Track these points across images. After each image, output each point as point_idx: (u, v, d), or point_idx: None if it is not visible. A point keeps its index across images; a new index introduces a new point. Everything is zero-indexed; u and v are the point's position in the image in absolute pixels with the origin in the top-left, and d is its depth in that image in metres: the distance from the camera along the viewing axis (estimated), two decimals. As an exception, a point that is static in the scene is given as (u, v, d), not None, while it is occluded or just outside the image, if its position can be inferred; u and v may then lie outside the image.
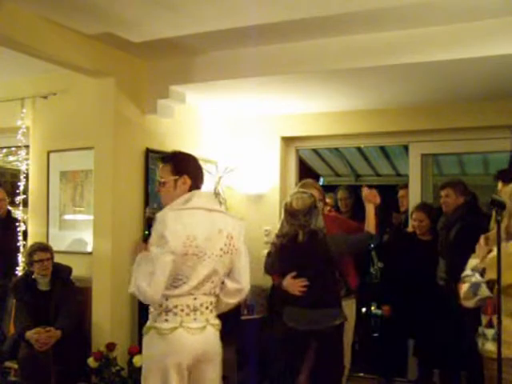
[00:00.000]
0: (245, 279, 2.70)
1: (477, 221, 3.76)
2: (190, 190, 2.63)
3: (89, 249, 4.72)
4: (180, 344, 2.50)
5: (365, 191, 3.89)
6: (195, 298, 2.54)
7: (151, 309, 2.58)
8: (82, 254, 4.81)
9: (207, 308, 2.59)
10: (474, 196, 4.47)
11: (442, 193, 4.42)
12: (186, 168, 2.66)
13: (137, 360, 4.11)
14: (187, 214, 2.53)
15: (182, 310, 2.52)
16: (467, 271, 2.71)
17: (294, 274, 3.60)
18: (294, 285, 3.58)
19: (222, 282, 2.66)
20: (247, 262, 2.73)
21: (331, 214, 4.39)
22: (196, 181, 2.67)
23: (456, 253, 4.11)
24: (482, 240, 2.79)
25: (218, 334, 2.66)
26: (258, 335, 4.64)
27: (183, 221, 2.49)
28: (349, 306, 3.90)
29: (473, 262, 2.74)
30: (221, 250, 2.59)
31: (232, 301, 2.71)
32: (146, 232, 2.64)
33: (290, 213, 3.61)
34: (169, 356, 2.49)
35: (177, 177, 2.63)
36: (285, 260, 3.69)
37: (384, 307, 4.88)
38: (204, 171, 2.77)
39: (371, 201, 3.85)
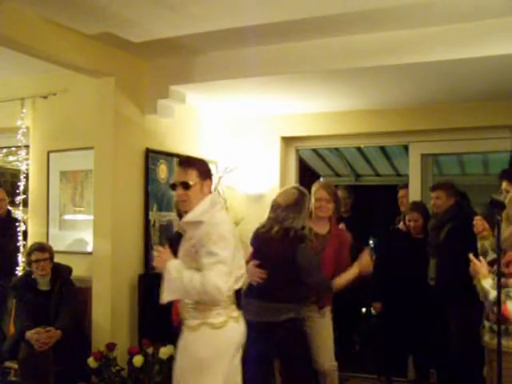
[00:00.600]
0: (243, 264, 2.92)
1: (468, 222, 3.77)
2: (208, 194, 2.80)
3: (89, 249, 4.72)
4: (231, 335, 2.70)
5: (366, 260, 3.66)
6: (230, 290, 2.71)
7: (196, 305, 2.65)
8: (82, 254, 4.81)
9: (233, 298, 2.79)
10: (464, 196, 4.49)
11: (433, 194, 4.43)
12: (209, 173, 2.82)
13: (137, 360, 4.11)
14: (223, 213, 2.75)
15: (227, 302, 2.70)
16: (494, 292, 2.72)
17: (257, 262, 3.53)
18: (253, 273, 3.50)
19: None
20: (242, 248, 2.94)
21: (342, 229, 4.07)
22: (212, 185, 2.87)
23: (446, 253, 4.15)
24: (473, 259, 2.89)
25: None
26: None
27: (226, 219, 2.73)
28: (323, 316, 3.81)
29: (488, 281, 2.78)
30: None
31: (237, 286, 2.87)
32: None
33: (271, 205, 3.62)
34: (222, 348, 2.66)
35: (203, 180, 2.76)
36: (254, 248, 3.67)
37: (375, 304, 4.93)
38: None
39: (364, 270, 3.63)
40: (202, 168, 2.79)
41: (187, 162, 2.81)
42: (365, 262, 3.59)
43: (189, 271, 2.59)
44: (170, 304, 3.28)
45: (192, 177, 2.73)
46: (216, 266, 2.53)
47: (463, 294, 3.58)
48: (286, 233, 3.49)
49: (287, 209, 3.51)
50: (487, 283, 2.79)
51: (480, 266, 2.86)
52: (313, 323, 3.73)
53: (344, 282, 3.58)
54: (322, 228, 3.81)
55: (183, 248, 2.74)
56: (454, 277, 3.91)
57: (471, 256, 2.93)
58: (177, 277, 2.57)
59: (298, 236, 3.49)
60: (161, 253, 2.69)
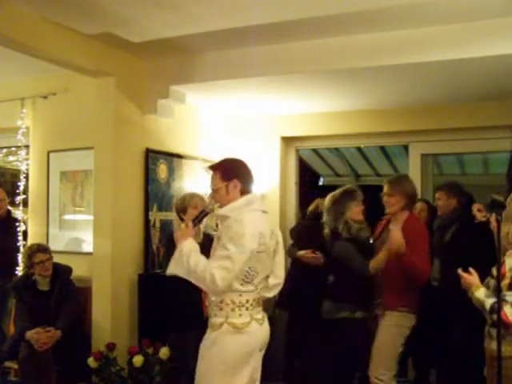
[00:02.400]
0: (282, 274, 2.95)
1: (472, 223, 3.76)
2: (243, 192, 2.77)
3: (89, 249, 4.71)
4: (255, 336, 2.72)
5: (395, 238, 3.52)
6: (258, 292, 2.74)
7: (221, 305, 2.68)
8: (82, 254, 4.81)
9: (261, 300, 2.80)
10: (469, 197, 4.46)
11: (436, 195, 4.44)
12: (235, 172, 2.79)
13: (137, 360, 4.10)
14: (255, 215, 2.72)
15: (252, 305, 2.70)
16: (489, 300, 2.71)
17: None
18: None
19: None
20: (283, 257, 2.98)
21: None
22: (246, 183, 2.80)
23: (451, 254, 4.13)
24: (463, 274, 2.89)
25: None
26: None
27: (255, 221, 2.68)
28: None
29: (481, 291, 2.78)
30: (273, 247, 2.83)
31: (270, 295, 2.92)
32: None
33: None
34: (248, 348, 2.68)
35: (227, 182, 2.76)
36: None
37: None
38: (253, 173, 2.87)
39: (396, 247, 3.47)
40: (224, 170, 2.79)
41: (211, 167, 2.87)
42: (394, 240, 3.46)
43: (199, 256, 2.65)
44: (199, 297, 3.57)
45: (215, 181, 2.79)
46: (222, 260, 2.57)
47: (467, 296, 3.56)
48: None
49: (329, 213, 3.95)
50: (481, 294, 2.78)
51: (471, 279, 2.85)
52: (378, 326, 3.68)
53: (377, 264, 3.58)
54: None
55: (215, 241, 2.80)
56: (459, 278, 3.89)
57: (460, 271, 2.91)
58: (185, 255, 2.65)
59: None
60: (185, 229, 2.76)
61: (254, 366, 2.77)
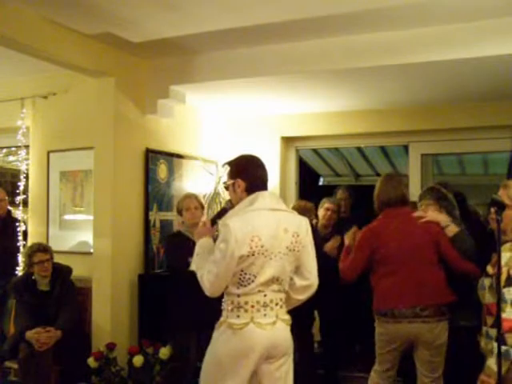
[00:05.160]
0: (313, 275, 2.76)
1: (468, 222, 3.75)
2: (248, 192, 2.69)
3: (89, 249, 4.71)
4: (251, 338, 2.59)
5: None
6: (265, 295, 2.62)
7: (224, 305, 2.67)
8: (82, 254, 4.81)
9: (277, 304, 2.66)
10: (461, 197, 4.43)
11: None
12: (238, 172, 2.73)
13: (137, 360, 4.10)
14: (251, 215, 2.61)
15: (253, 307, 2.60)
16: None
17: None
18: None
19: (292, 279, 2.73)
20: (314, 258, 2.78)
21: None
22: (252, 183, 2.70)
23: None
24: None
25: (288, 328, 2.71)
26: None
27: (247, 223, 2.58)
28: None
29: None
30: (287, 248, 2.65)
31: (301, 297, 2.78)
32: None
33: None
34: (239, 350, 2.58)
35: (232, 181, 2.73)
36: None
37: None
38: (265, 171, 2.77)
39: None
40: (231, 168, 2.76)
41: (226, 163, 2.85)
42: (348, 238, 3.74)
43: (203, 257, 2.67)
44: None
45: (227, 178, 2.78)
46: (210, 264, 2.58)
47: (463, 296, 3.55)
48: None
49: None
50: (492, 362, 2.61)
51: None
52: None
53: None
54: None
55: None
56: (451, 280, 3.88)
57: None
58: (199, 254, 2.69)
59: None
60: (201, 228, 2.78)
61: (261, 374, 2.64)
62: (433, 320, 3.30)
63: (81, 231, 4.90)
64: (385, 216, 3.52)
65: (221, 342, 2.64)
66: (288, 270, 2.67)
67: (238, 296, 2.60)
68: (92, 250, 4.53)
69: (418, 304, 3.31)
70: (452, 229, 3.42)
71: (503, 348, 2.46)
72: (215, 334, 2.67)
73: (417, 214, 3.51)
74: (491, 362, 2.51)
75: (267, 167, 2.79)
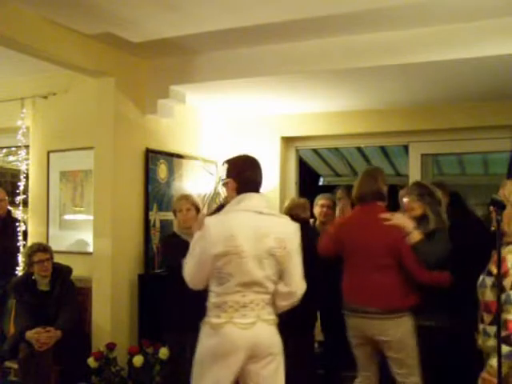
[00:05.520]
0: (295, 283, 2.71)
1: (465, 220, 3.75)
2: (238, 192, 2.70)
3: (89, 249, 4.71)
4: (229, 338, 2.58)
5: None
6: (243, 295, 2.60)
7: (208, 304, 2.68)
8: (82, 254, 4.81)
9: (258, 305, 2.63)
10: (457, 195, 4.40)
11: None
12: (230, 172, 2.75)
13: (137, 360, 4.10)
14: (232, 216, 2.64)
15: (231, 307, 2.60)
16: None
17: None
18: None
19: (276, 283, 2.69)
20: (298, 265, 2.72)
21: None
22: (243, 184, 2.71)
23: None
24: None
25: (271, 328, 2.68)
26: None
27: (224, 223, 2.61)
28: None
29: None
30: (267, 252, 2.61)
31: (284, 303, 2.73)
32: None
33: None
34: (218, 349, 2.58)
35: (227, 180, 2.76)
36: None
37: None
38: (259, 173, 2.76)
39: None
40: (229, 166, 2.77)
41: (224, 162, 2.85)
42: None
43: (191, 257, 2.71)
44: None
45: (225, 176, 2.79)
46: (189, 257, 2.68)
47: (456, 297, 3.54)
48: None
49: None
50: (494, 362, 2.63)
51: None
52: None
53: None
54: None
55: None
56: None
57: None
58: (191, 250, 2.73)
59: None
60: (197, 224, 2.77)
61: (249, 374, 2.63)
62: (383, 317, 3.29)
63: (81, 231, 4.90)
64: (358, 211, 3.54)
65: (203, 342, 2.65)
66: (270, 273, 2.63)
67: (219, 295, 2.60)
68: (92, 250, 4.53)
69: (368, 305, 3.32)
70: (414, 236, 3.31)
71: (507, 349, 2.46)
72: (200, 334, 2.69)
73: (383, 215, 3.40)
74: (494, 362, 2.51)
75: (267, 167, 2.80)
